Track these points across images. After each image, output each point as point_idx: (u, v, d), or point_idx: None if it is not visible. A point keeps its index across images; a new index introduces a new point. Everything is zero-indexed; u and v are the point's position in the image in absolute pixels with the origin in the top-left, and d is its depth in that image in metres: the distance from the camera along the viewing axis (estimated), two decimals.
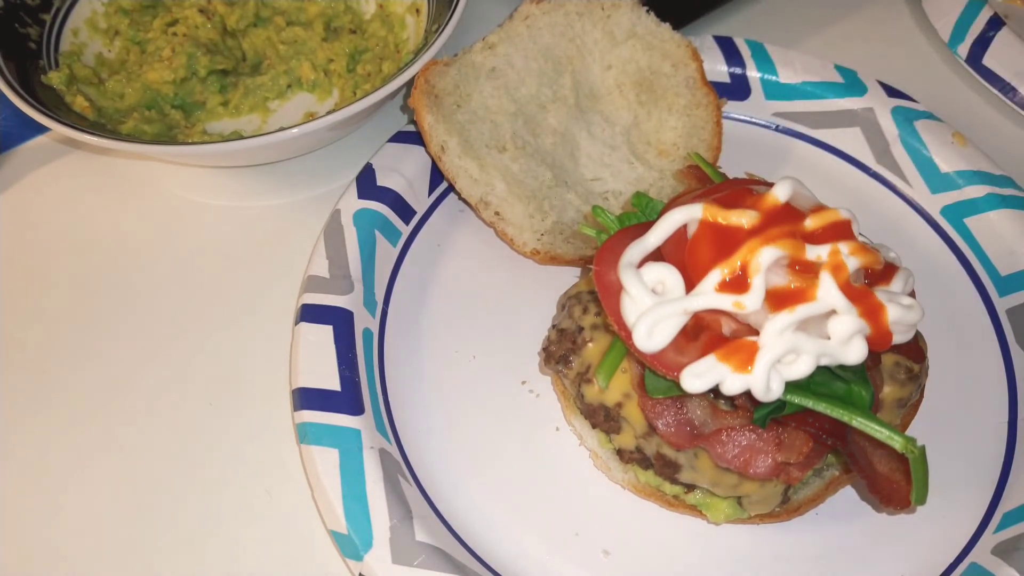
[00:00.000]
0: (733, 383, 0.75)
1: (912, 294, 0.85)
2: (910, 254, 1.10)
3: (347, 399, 0.93)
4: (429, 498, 0.93)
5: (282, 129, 1.04)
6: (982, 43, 1.31)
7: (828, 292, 0.75)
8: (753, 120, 1.26)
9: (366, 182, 1.10)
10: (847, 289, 0.76)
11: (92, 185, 1.21)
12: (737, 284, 0.76)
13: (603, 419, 0.88)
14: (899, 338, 0.79)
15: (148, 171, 1.22)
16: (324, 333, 0.97)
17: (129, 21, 1.27)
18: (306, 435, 0.91)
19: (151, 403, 1.01)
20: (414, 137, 1.13)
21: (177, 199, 1.20)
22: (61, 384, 1.02)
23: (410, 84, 1.07)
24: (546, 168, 1.09)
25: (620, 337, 0.80)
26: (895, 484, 0.80)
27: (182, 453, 0.97)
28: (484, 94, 1.10)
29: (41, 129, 1.25)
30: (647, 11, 1.15)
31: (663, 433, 0.82)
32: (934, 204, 1.17)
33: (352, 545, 0.85)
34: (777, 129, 1.25)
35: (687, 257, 0.81)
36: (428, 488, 0.94)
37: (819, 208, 0.81)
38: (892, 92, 1.21)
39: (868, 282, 0.81)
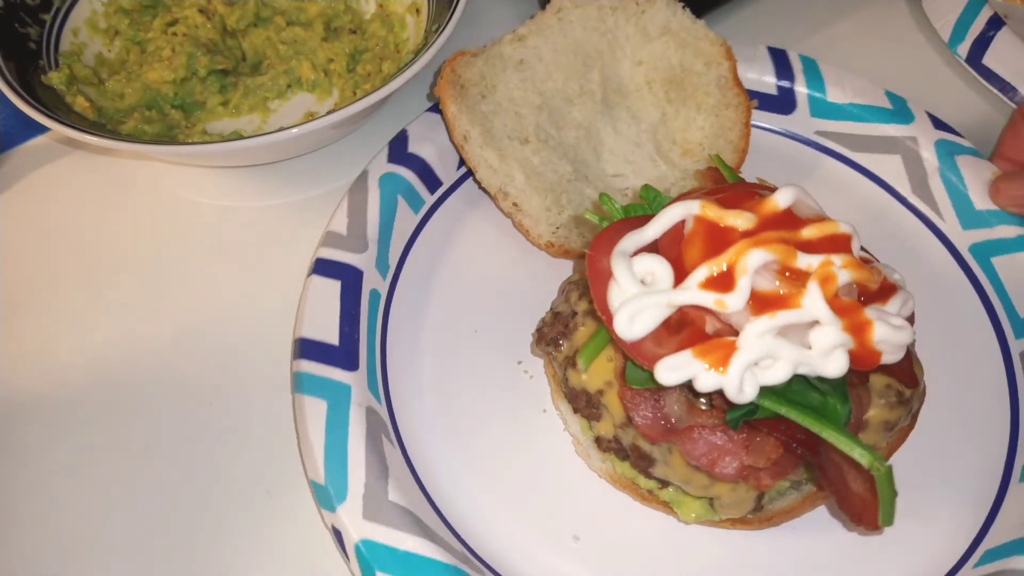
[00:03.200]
0: (706, 380, 0.75)
1: (911, 318, 0.84)
2: (932, 286, 1.10)
3: (343, 354, 0.96)
4: (410, 461, 0.95)
5: (282, 129, 1.04)
6: (982, 43, 1.31)
7: (813, 301, 0.74)
8: (794, 135, 1.25)
9: (398, 147, 1.12)
10: (833, 301, 0.75)
11: (92, 185, 1.20)
12: (723, 283, 0.76)
13: (584, 405, 0.89)
14: (887, 358, 0.78)
15: (148, 171, 1.22)
16: (332, 288, 1.00)
17: (129, 21, 1.27)
18: (300, 384, 0.94)
19: (150, 403, 1.01)
20: None
21: (177, 199, 1.19)
22: (59, 384, 1.02)
23: (437, 74, 1.09)
24: (567, 162, 1.10)
25: (604, 322, 0.81)
26: (867, 503, 0.78)
27: (181, 454, 0.97)
28: (510, 85, 1.11)
29: (41, 129, 1.24)
30: (683, 7, 1.14)
31: (638, 424, 0.83)
32: (963, 240, 1.14)
33: (327, 496, 0.87)
34: (817, 147, 1.23)
35: (680, 253, 0.81)
36: (410, 452, 0.96)
37: (820, 219, 0.80)
38: (939, 124, 1.18)
39: (863, 299, 0.80)
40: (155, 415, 1.00)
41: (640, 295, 0.78)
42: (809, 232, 0.79)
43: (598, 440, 0.90)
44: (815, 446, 0.77)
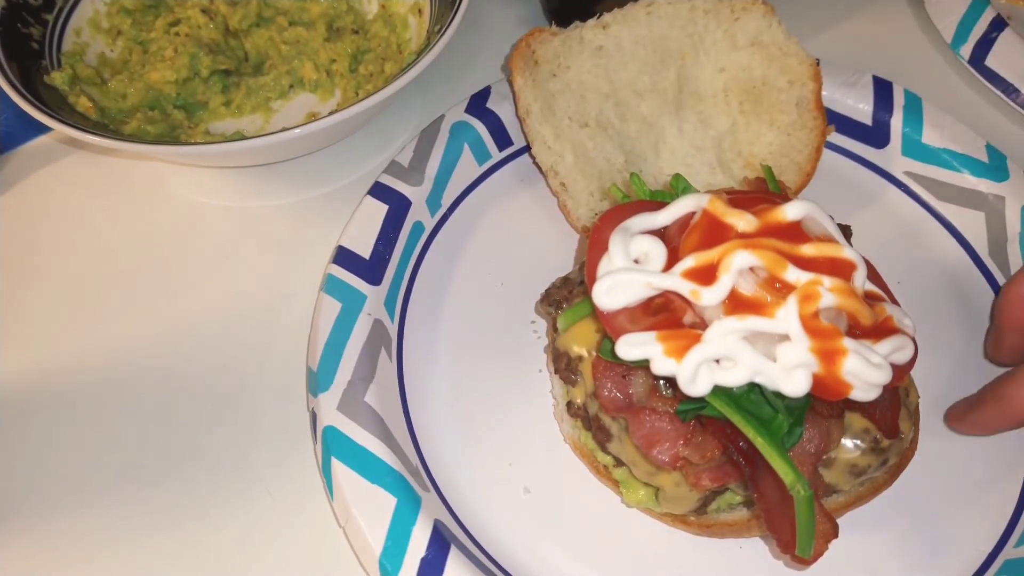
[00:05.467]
0: (662, 365, 0.75)
1: (908, 366, 0.81)
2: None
3: (370, 268, 1.03)
4: (402, 378, 1.01)
5: (285, 129, 1.04)
6: (985, 44, 1.29)
7: (786, 315, 0.73)
8: (882, 171, 1.20)
9: (477, 100, 1.18)
10: (810, 320, 0.73)
11: (94, 185, 1.20)
12: (704, 276, 0.76)
13: (564, 367, 0.91)
14: (858, 394, 0.75)
15: (151, 172, 1.22)
16: (379, 210, 1.08)
17: (131, 21, 1.27)
18: (326, 284, 1.02)
19: (152, 403, 1.01)
20: None
21: (180, 200, 1.19)
22: (62, 385, 1.02)
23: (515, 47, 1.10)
24: (621, 153, 1.12)
25: (589, 289, 0.83)
26: (795, 531, 0.77)
27: (183, 454, 0.98)
28: (583, 69, 1.12)
29: (43, 129, 1.23)
30: (778, 21, 1.11)
31: (600, 394, 0.84)
32: None
33: (315, 383, 0.95)
34: (902, 188, 1.18)
35: (681, 242, 0.82)
36: (405, 370, 1.02)
37: (826, 239, 0.79)
38: None
39: (859, 333, 0.78)
40: (156, 415, 1.01)
41: (624, 270, 0.79)
42: (809, 249, 0.77)
43: (569, 404, 0.92)
44: (754, 459, 0.77)
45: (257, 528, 0.93)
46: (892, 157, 1.19)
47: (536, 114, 1.09)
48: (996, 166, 1.13)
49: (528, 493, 0.95)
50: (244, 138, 1.16)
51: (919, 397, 0.93)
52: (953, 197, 1.15)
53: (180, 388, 1.03)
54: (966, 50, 1.33)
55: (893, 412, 0.84)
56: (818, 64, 1.12)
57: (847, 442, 0.84)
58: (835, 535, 0.77)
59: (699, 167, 1.14)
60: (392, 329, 1.03)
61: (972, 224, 1.14)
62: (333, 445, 0.90)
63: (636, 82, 1.13)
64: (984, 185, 1.13)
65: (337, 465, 0.89)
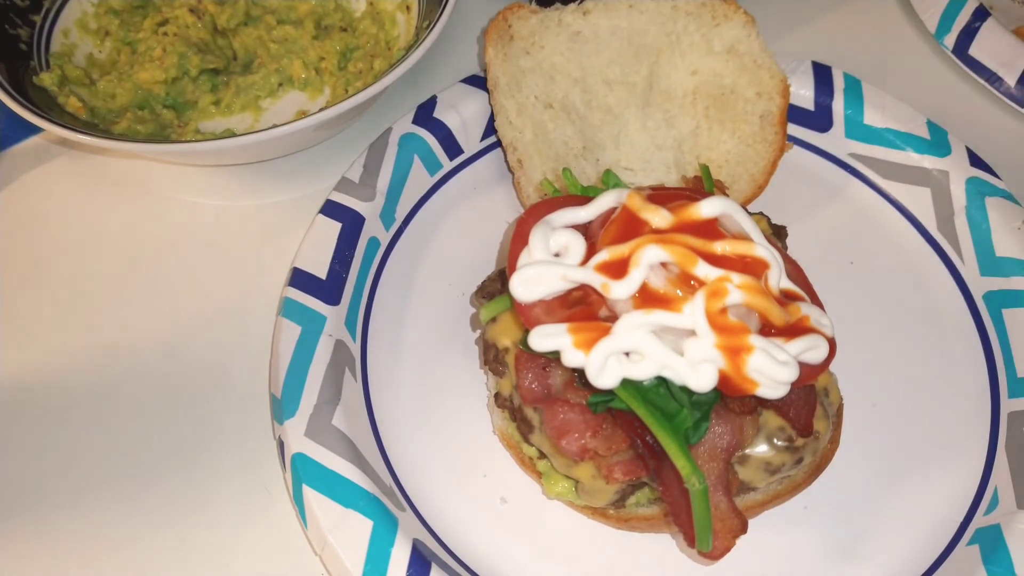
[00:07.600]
0: (571, 356, 0.77)
1: (821, 367, 0.81)
2: (938, 327, 1.08)
3: (328, 289, 1.03)
4: (368, 397, 1.02)
5: (275, 126, 1.04)
6: (968, 34, 1.29)
7: (693, 310, 0.75)
8: (827, 154, 1.21)
9: (424, 111, 1.18)
10: (717, 316, 0.75)
11: (86, 185, 1.21)
12: (616, 270, 0.78)
13: (492, 358, 0.92)
14: (764, 391, 0.76)
15: (142, 171, 1.22)
16: (333, 228, 1.07)
17: (119, 21, 1.27)
18: (283, 308, 1.02)
19: (147, 402, 1.02)
20: (484, 83, 1.17)
21: (170, 199, 1.20)
22: (56, 385, 1.02)
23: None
24: (581, 139, 1.12)
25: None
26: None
27: (180, 451, 0.98)
28: (556, 51, 1.13)
29: (34, 130, 1.24)
30: (758, 33, 1.11)
31: (520, 385, 0.85)
32: (980, 286, 1.08)
33: (280, 410, 0.95)
34: (848, 170, 1.20)
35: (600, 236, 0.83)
36: (372, 388, 1.03)
37: (740, 237, 0.80)
38: (976, 161, 1.12)
39: (773, 331, 0.79)
40: (151, 413, 1.01)
41: (541, 262, 0.81)
42: (722, 247, 0.78)
43: (497, 395, 0.93)
44: (659, 453, 0.78)
45: (255, 524, 0.94)
46: (837, 140, 1.20)
47: (503, 88, 1.10)
48: (938, 142, 1.14)
49: (505, 503, 0.96)
50: (234, 136, 1.16)
51: (842, 398, 0.93)
52: (899, 175, 1.16)
53: (174, 386, 1.03)
54: (950, 40, 1.31)
55: (808, 411, 0.84)
56: (788, 82, 1.12)
57: (761, 439, 0.84)
58: (743, 531, 0.78)
59: (656, 164, 1.15)
60: (355, 348, 1.04)
61: (919, 200, 1.15)
62: (304, 472, 0.90)
63: (607, 72, 1.14)
64: (928, 161, 1.14)
65: (309, 492, 0.88)
